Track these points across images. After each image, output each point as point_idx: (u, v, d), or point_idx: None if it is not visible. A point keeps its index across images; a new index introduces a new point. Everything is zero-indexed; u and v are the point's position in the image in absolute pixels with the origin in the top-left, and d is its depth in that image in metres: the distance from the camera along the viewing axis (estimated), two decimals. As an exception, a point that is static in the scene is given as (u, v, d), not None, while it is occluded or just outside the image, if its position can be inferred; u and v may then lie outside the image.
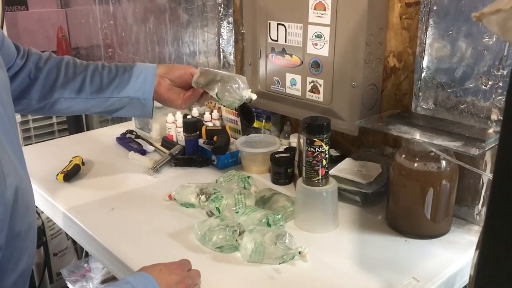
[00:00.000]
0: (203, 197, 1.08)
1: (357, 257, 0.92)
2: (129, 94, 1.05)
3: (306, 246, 0.90)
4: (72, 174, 1.27)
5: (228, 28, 1.57)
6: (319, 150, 0.96)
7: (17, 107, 0.98)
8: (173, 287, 0.78)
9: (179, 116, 1.47)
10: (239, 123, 1.45)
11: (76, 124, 2.61)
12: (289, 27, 1.25)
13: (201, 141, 1.39)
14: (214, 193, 1.08)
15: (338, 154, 1.26)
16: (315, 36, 1.19)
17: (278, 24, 1.28)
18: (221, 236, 0.93)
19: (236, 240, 0.92)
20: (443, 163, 0.94)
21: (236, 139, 1.37)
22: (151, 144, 1.50)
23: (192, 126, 1.38)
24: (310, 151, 0.97)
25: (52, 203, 1.17)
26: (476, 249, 0.68)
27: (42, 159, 1.40)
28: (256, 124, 1.46)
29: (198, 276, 0.85)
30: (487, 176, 0.97)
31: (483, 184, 1.00)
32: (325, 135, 0.96)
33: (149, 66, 1.08)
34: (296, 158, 1.19)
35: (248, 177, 1.18)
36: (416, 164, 0.95)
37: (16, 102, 0.96)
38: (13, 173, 0.74)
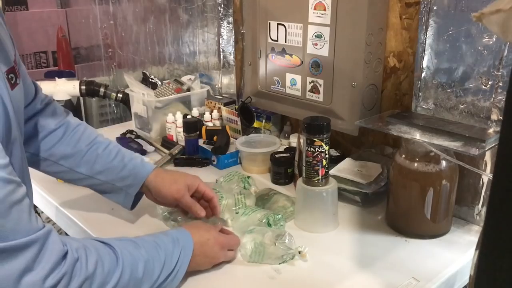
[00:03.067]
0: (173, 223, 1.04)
1: (357, 257, 0.92)
2: (105, 179, 1.00)
3: (306, 246, 0.90)
4: (72, 174, 1.27)
5: (228, 28, 1.57)
6: (319, 150, 0.96)
7: None
8: (205, 244, 0.87)
9: (179, 116, 1.47)
10: (239, 123, 1.45)
11: (76, 124, 2.61)
12: (289, 27, 1.25)
13: (201, 141, 1.39)
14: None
15: (338, 154, 1.26)
16: (315, 36, 1.19)
17: (278, 24, 1.28)
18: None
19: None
20: (443, 163, 0.94)
21: (236, 139, 1.37)
22: (151, 144, 1.50)
23: (192, 126, 1.38)
24: (310, 151, 0.97)
25: (52, 203, 1.17)
26: (476, 249, 0.68)
27: (42, 159, 1.39)
28: (256, 124, 1.47)
29: (235, 240, 0.92)
30: (487, 176, 0.97)
31: (483, 184, 1.00)
32: (325, 135, 0.96)
33: (145, 167, 1.02)
34: (296, 158, 1.19)
35: (248, 177, 1.18)
36: (416, 164, 0.95)
37: None
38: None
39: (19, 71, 0.82)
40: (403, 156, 0.97)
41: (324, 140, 0.96)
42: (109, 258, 0.73)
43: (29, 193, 0.85)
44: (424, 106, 1.05)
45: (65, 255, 0.67)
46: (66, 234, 1.16)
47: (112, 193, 1.02)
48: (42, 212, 1.37)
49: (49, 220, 1.76)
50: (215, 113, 1.50)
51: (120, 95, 1.95)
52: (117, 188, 1.00)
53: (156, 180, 1.00)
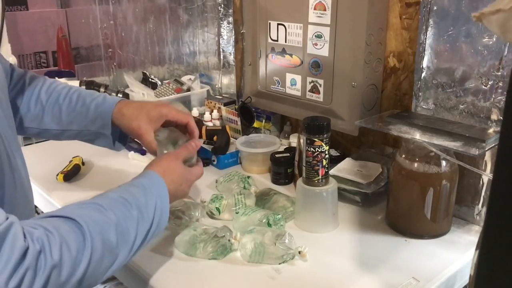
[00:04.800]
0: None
1: (357, 257, 0.92)
2: (76, 128, 0.99)
3: (306, 246, 0.90)
4: (72, 174, 1.27)
5: (228, 28, 1.57)
6: (319, 150, 0.96)
7: None
8: (178, 189, 0.87)
9: (179, 116, 1.47)
10: (239, 123, 1.45)
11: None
12: (289, 27, 1.25)
13: (201, 141, 1.39)
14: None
15: (338, 154, 1.26)
16: (315, 36, 1.19)
17: (278, 24, 1.28)
18: (210, 248, 0.91)
19: (229, 240, 0.92)
20: (443, 163, 0.94)
21: (236, 139, 1.37)
22: (151, 144, 1.49)
23: (192, 126, 1.38)
24: (310, 151, 0.97)
25: (52, 203, 1.17)
26: (476, 249, 0.68)
27: (42, 159, 1.40)
28: (256, 124, 1.46)
29: (200, 173, 0.94)
30: (487, 176, 0.97)
31: (483, 184, 1.00)
32: (325, 135, 0.96)
33: (108, 101, 0.99)
34: (296, 158, 1.19)
35: (248, 177, 1.18)
36: (416, 164, 0.95)
37: None
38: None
39: None
40: (403, 156, 0.97)
41: (324, 140, 0.96)
42: (75, 236, 0.65)
43: (28, 193, 0.85)
44: (424, 106, 1.05)
45: (26, 251, 0.60)
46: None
47: (96, 139, 1.01)
48: (42, 212, 1.37)
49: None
50: (215, 113, 1.50)
51: (120, 95, 1.95)
52: (94, 132, 0.98)
53: (117, 116, 0.96)
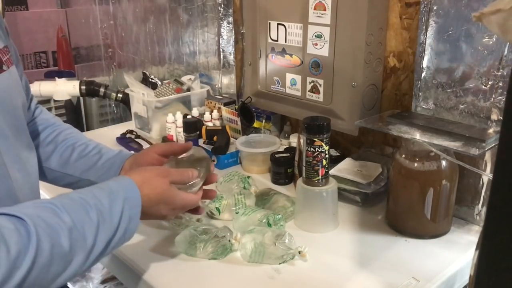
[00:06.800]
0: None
1: (357, 257, 0.92)
2: (89, 178, 0.94)
3: (306, 246, 0.90)
4: (72, 174, 1.27)
5: (228, 28, 1.57)
6: (319, 150, 0.96)
7: None
8: (155, 208, 0.78)
9: (179, 116, 1.47)
10: (239, 123, 1.45)
11: (76, 124, 2.59)
12: (289, 27, 1.25)
13: (201, 141, 1.39)
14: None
15: (338, 154, 1.26)
16: (315, 36, 1.19)
17: (278, 24, 1.28)
18: (210, 248, 0.91)
19: (229, 241, 0.92)
20: (443, 163, 0.94)
21: (236, 139, 1.37)
22: (151, 144, 1.50)
23: (192, 126, 1.38)
24: (310, 151, 0.97)
25: (52, 203, 1.17)
26: (476, 249, 0.68)
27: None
28: (256, 124, 1.47)
29: (191, 203, 0.84)
30: (487, 176, 0.97)
31: (483, 184, 1.00)
32: (325, 135, 0.96)
33: (121, 154, 0.97)
34: (296, 158, 1.19)
35: (248, 177, 1.18)
36: (416, 164, 0.95)
37: None
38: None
39: (9, 61, 0.80)
40: (403, 156, 0.97)
41: (324, 140, 0.96)
42: (17, 237, 0.59)
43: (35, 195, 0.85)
44: (424, 106, 1.05)
45: None
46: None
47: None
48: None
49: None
50: (215, 113, 1.50)
51: (120, 95, 1.95)
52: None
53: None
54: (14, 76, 0.83)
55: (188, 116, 1.49)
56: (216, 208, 1.05)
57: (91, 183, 0.84)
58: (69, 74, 2.59)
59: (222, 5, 1.55)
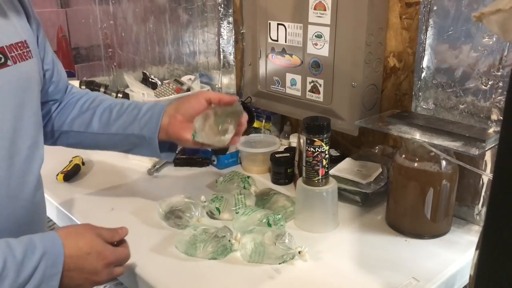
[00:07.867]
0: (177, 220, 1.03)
1: (357, 257, 0.92)
2: (133, 131, 0.97)
3: (306, 246, 0.90)
4: (72, 174, 1.27)
5: (228, 28, 1.57)
6: (319, 150, 0.96)
7: None
8: (83, 258, 0.72)
9: (179, 116, 1.47)
10: (239, 123, 1.45)
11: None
12: (289, 27, 1.25)
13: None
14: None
15: (338, 154, 1.26)
16: (315, 36, 1.19)
17: (278, 24, 1.28)
18: (210, 248, 0.91)
19: (229, 241, 0.92)
20: (443, 163, 0.94)
21: (236, 139, 1.37)
22: (151, 144, 1.49)
23: (192, 126, 1.38)
24: (310, 151, 0.97)
25: (52, 203, 1.17)
26: (476, 249, 0.68)
27: (42, 159, 1.40)
28: (256, 124, 1.46)
29: (123, 255, 0.81)
30: (487, 176, 0.97)
31: (483, 184, 1.00)
32: (325, 135, 0.96)
33: (159, 104, 1.00)
34: (296, 158, 1.19)
35: (248, 177, 1.18)
36: (416, 164, 0.95)
37: None
38: None
39: (20, 56, 0.81)
40: (403, 156, 0.97)
41: (324, 140, 0.96)
42: None
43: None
44: (424, 106, 1.05)
45: None
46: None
47: (136, 147, 0.99)
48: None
49: (49, 220, 1.76)
50: (215, 113, 1.50)
51: (120, 95, 1.95)
52: (139, 136, 0.97)
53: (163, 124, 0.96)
54: (24, 72, 0.82)
55: (188, 116, 1.49)
56: (216, 208, 1.05)
57: (136, 137, 0.96)
58: (69, 74, 2.58)
59: (222, 5, 1.55)
